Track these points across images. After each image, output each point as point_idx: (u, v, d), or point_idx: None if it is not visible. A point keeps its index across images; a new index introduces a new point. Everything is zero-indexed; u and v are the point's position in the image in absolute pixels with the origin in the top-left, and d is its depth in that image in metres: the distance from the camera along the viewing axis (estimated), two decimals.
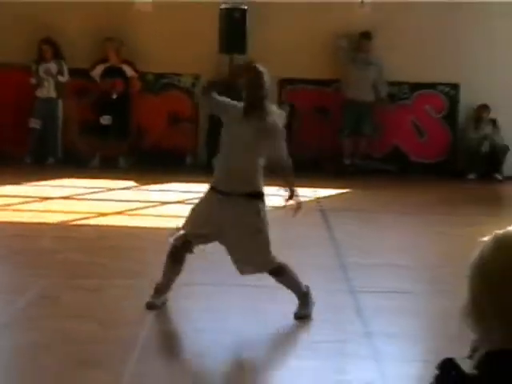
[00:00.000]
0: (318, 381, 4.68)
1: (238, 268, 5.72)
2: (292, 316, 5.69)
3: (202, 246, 5.87)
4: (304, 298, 5.79)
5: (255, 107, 5.76)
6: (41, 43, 12.33)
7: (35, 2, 12.58)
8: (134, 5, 12.91)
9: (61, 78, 12.42)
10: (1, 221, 8.44)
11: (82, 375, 4.62)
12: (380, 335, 5.35)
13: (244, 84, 5.92)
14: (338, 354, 5.09)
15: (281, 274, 5.78)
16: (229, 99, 6.04)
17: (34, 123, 12.39)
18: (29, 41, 12.44)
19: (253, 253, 5.63)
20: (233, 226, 5.64)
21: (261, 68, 5.81)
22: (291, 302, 6.05)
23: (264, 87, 5.76)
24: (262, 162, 5.85)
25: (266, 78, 5.78)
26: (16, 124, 12.55)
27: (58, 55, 12.45)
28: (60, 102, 12.53)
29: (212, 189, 5.87)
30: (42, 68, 12.36)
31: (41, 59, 12.38)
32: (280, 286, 6.30)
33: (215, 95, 5.93)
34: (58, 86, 12.46)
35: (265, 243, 5.72)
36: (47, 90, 12.41)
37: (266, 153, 5.86)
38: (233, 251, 5.68)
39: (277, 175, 5.93)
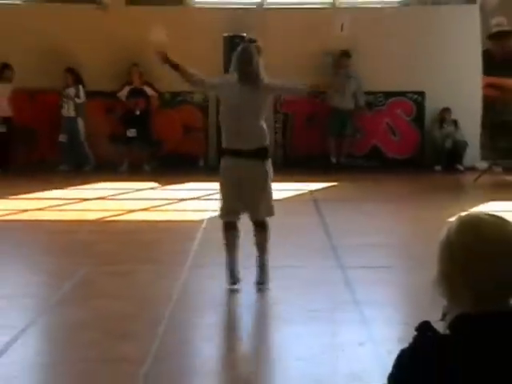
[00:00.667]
0: (314, 344, 4.64)
1: (250, 216, 5.67)
2: (291, 290, 5.69)
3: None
4: (264, 266, 5.69)
5: (249, 75, 5.66)
6: (64, 72, 12.34)
7: (68, 36, 12.59)
8: (151, 36, 12.89)
9: (77, 100, 12.42)
10: (49, 219, 8.43)
11: (120, 347, 4.59)
12: (366, 303, 5.32)
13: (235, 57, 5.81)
14: (331, 321, 5.06)
15: (266, 229, 5.72)
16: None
17: (61, 138, 12.43)
18: (59, 69, 12.46)
19: (262, 202, 5.56)
20: (247, 181, 5.53)
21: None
22: (291, 278, 6.07)
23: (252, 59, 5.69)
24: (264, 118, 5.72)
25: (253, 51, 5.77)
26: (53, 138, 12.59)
27: (77, 81, 12.43)
28: (79, 120, 12.48)
29: (225, 152, 5.69)
30: (65, 92, 12.39)
31: (65, 85, 12.39)
32: (286, 263, 6.32)
33: (196, 77, 5.87)
34: (77, 107, 12.44)
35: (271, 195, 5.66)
36: (67, 110, 12.43)
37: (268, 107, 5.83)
38: (247, 202, 5.59)
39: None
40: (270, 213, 5.72)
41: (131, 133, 12.44)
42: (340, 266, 6.38)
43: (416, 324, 1.76)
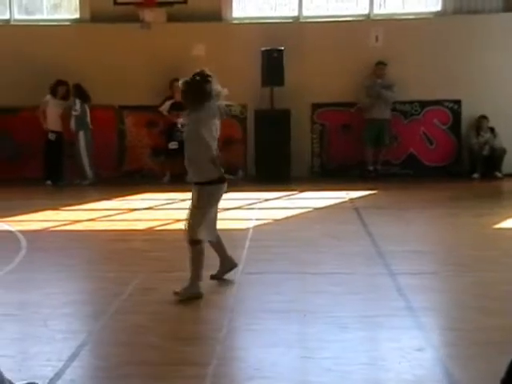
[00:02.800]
0: (374, 349, 4.62)
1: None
2: (343, 297, 5.67)
3: None
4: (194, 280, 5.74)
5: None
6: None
7: (111, 53, 12.71)
8: (191, 51, 12.99)
9: (74, 113, 12.40)
10: (102, 229, 8.50)
11: (182, 350, 4.59)
12: (420, 309, 5.25)
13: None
14: (387, 327, 5.00)
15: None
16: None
17: None
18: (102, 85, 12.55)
19: None
20: None
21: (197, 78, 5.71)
22: (342, 285, 6.04)
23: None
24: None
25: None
26: None
27: (77, 95, 12.41)
28: (80, 134, 12.45)
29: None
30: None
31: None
32: (335, 270, 6.33)
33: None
34: (76, 120, 12.44)
35: None
36: (72, 124, 12.44)
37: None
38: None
39: None
40: None
41: (173, 145, 12.50)
42: (389, 273, 6.32)
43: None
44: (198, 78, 5.71)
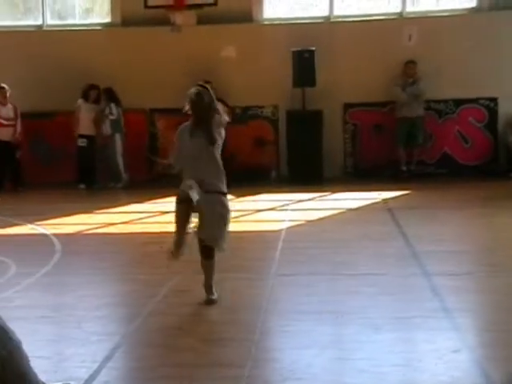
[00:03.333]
0: (409, 350, 4.59)
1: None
2: (377, 297, 5.65)
3: None
4: None
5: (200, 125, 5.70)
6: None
7: (142, 57, 12.81)
8: (222, 52, 13.04)
9: (111, 117, 12.50)
10: (135, 232, 8.58)
11: (217, 351, 4.62)
12: (456, 310, 5.20)
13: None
14: (422, 328, 4.97)
15: None
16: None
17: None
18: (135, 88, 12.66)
19: None
20: None
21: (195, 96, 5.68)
22: (376, 285, 6.02)
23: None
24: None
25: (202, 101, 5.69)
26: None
27: (110, 100, 12.51)
28: (116, 137, 12.57)
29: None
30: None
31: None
32: (369, 271, 6.30)
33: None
34: (112, 124, 12.54)
35: None
36: (105, 128, 12.57)
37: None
38: None
39: None
40: None
41: None
42: (424, 274, 6.28)
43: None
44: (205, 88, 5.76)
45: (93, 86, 12.55)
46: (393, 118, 12.76)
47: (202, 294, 5.83)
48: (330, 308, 5.42)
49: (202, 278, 6.36)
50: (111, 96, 12.50)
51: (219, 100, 12.59)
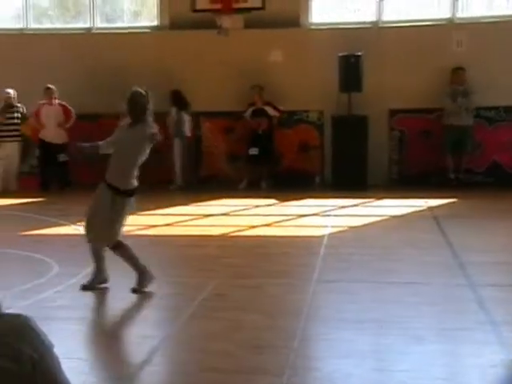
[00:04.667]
0: (452, 364, 4.47)
1: None
2: (420, 308, 5.52)
3: None
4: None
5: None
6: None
7: (189, 60, 12.83)
8: (269, 57, 13.00)
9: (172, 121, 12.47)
10: (176, 234, 8.56)
11: (254, 358, 4.55)
12: (503, 323, 5.05)
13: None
14: (467, 341, 4.83)
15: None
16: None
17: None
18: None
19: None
20: None
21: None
22: (419, 295, 5.89)
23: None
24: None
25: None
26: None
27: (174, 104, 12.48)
28: (176, 140, 12.47)
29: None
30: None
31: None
32: (412, 280, 6.17)
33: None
34: (175, 128, 12.48)
35: None
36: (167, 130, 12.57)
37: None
38: None
39: None
40: None
41: (253, 151, 12.55)
42: (470, 285, 6.12)
43: None
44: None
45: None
46: (440, 124, 12.54)
47: (241, 298, 5.78)
48: (371, 317, 5.31)
49: (240, 282, 6.34)
50: (176, 99, 12.53)
51: (268, 103, 12.68)
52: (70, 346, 4.64)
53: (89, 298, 5.81)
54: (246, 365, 4.46)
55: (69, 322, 5.11)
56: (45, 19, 14.05)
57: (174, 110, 12.45)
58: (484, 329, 4.98)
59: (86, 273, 6.58)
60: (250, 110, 12.67)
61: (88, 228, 5.98)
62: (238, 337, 4.94)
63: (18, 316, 1.84)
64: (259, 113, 12.63)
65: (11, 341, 1.78)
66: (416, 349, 4.65)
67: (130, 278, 5.96)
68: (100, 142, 6.20)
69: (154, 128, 6.02)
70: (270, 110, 12.69)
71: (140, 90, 6.09)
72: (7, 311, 1.82)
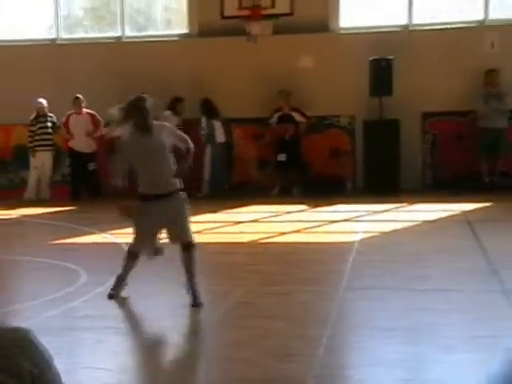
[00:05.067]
0: (484, 373, 4.33)
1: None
2: (451, 315, 5.40)
3: None
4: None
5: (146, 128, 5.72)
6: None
7: (218, 67, 12.84)
8: (298, 63, 12.94)
9: (202, 131, 12.40)
10: (206, 241, 8.52)
11: (279, 366, 4.48)
12: None
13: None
14: (498, 349, 4.68)
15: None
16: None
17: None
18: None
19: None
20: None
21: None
22: (450, 302, 5.76)
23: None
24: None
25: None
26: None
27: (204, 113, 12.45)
28: (207, 147, 12.43)
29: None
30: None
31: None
32: (444, 287, 6.05)
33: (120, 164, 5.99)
34: (205, 135, 12.46)
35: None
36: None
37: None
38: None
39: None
40: None
41: (281, 157, 12.48)
42: (503, 291, 5.96)
43: None
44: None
45: (179, 99, 12.57)
46: (474, 127, 12.35)
47: (268, 306, 5.71)
48: (401, 324, 5.21)
49: (267, 289, 6.28)
50: (206, 108, 12.53)
51: (295, 109, 12.61)
52: (93, 356, 4.63)
53: (116, 307, 5.78)
54: (272, 373, 4.39)
55: (94, 332, 5.09)
56: (79, 29, 14.15)
57: (204, 119, 12.45)
58: None
59: (113, 281, 6.56)
60: (276, 115, 12.61)
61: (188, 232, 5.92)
62: (264, 345, 4.87)
63: (17, 329, 1.80)
64: (286, 119, 12.56)
65: (11, 354, 1.73)
66: (446, 358, 4.53)
67: (162, 284, 5.94)
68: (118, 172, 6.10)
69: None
70: (297, 116, 12.61)
71: (140, 95, 5.99)
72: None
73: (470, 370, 4.32)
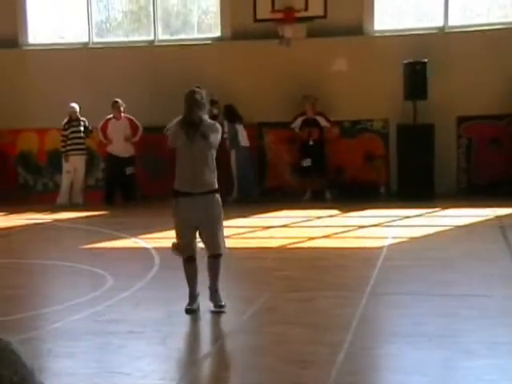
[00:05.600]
0: (503, 379, 4.32)
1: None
2: (475, 320, 5.39)
3: None
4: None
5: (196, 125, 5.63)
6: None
7: (248, 70, 12.91)
8: (333, 67, 12.95)
9: (224, 135, 12.44)
10: (234, 247, 8.58)
11: (297, 372, 4.52)
12: None
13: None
14: None
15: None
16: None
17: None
18: (243, 102, 12.75)
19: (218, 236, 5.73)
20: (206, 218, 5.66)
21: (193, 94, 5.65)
22: (476, 307, 5.75)
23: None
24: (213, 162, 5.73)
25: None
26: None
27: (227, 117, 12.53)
28: (232, 152, 12.55)
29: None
30: None
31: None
32: (469, 292, 6.02)
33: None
34: (229, 140, 12.54)
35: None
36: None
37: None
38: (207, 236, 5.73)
39: None
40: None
41: (306, 162, 12.54)
42: None
43: None
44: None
45: (213, 102, 12.69)
46: (510, 131, 12.23)
47: (291, 312, 5.77)
48: (423, 330, 5.22)
49: (293, 295, 6.32)
50: (228, 113, 12.65)
51: (320, 114, 12.60)
52: (114, 361, 4.74)
53: (139, 312, 5.88)
54: (289, 380, 4.44)
55: (116, 337, 5.19)
56: (117, 32, 14.32)
57: (226, 123, 12.56)
58: None
59: (139, 286, 6.70)
60: (300, 119, 12.64)
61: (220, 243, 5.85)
62: (282, 351, 4.92)
63: None
64: (311, 123, 12.59)
65: None
66: (465, 363, 4.54)
67: (175, 290, 6.02)
68: None
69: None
70: (322, 121, 12.61)
71: (194, 88, 5.80)
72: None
73: (487, 376, 4.31)
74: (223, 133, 12.36)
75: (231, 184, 12.60)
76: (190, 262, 5.82)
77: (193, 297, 5.81)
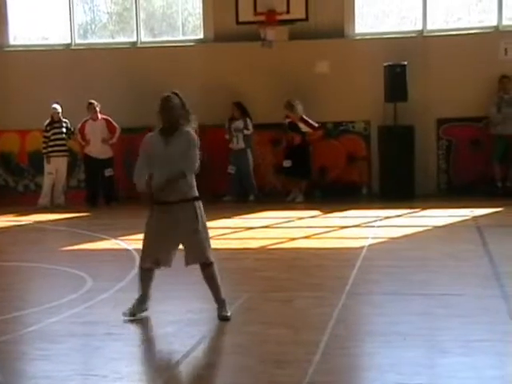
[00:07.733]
0: (473, 376, 4.35)
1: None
2: (450, 319, 5.44)
3: None
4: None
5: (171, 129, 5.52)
6: (232, 105, 12.62)
7: (234, 72, 12.94)
8: (315, 69, 13.02)
9: (246, 132, 12.64)
10: (216, 247, 8.57)
11: (272, 372, 4.51)
12: None
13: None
14: (494, 353, 4.74)
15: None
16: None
17: (230, 169, 12.70)
18: (225, 104, 12.79)
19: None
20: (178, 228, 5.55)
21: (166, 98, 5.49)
22: (451, 306, 5.81)
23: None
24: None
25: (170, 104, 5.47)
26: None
27: (244, 114, 12.63)
28: (248, 152, 12.66)
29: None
30: (234, 125, 12.65)
31: (231, 118, 12.64)
32: (445, 292, 6.06)
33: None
34: (246, 139, 12.66)
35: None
36: (237, 143, 12.67)
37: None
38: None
39: None
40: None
41: (286, 163, 12.61)
42: (503, 296, 6.00)
43: None
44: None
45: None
46: (489, 133, 12.35)
47: (270, 312, 5.80)
48: (398, 329, 5.26)
49: (272, 296, 6.35)
50: (245, 110, 12.69)
51: (301, 119, 12.63)
52: (89, 363, 4.74)
53: (118, 313, 5.87)
54: (265, 380, 4.45)
55: (93, 339, 5.19)
56: (103, 33, 14.28)
57: (249, 122, 12.68)
58: (510, 340, 4.87)
59: (119, 287, 6.70)
60: (287, 121, 12.71)
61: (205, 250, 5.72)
62: (259, 351, 4.94)
63: None
64: (293, 127, 12.65)
65: None
66: (439, 361, 4.59)
67: (169, 291, 6.03)
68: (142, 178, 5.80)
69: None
70: (302, 127, 12.64)
71: (171, 93, 5.60)
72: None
73: (460, 374, 4.35)
74: (245, 129, 12.55)
75: (252, 184, 12.68)
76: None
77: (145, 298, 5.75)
